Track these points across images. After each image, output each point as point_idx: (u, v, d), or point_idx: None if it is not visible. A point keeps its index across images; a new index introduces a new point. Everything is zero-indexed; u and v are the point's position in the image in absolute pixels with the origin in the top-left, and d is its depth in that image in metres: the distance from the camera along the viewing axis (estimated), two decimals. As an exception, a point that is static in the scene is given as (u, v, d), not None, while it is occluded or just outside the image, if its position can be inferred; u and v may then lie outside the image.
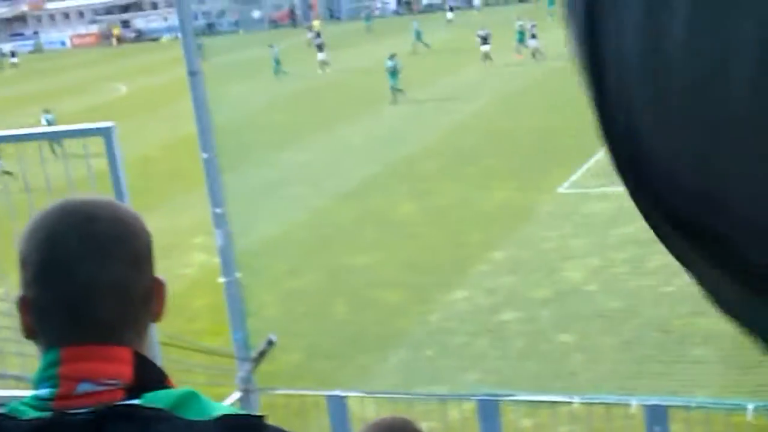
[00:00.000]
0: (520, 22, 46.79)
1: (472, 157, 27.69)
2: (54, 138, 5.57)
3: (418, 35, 55.18)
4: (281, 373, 13.34)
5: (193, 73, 8.03)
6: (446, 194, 24.08)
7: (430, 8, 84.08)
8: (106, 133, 4.98)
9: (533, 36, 45.52)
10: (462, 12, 77.88)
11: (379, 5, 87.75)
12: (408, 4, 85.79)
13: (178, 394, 1.72)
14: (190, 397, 1.71)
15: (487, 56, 44.75)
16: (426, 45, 54.00)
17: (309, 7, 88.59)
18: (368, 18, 72.73)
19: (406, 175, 26.50)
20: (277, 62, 49.84)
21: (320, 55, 50.90)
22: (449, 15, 70.20)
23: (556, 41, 45.47)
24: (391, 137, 31.60)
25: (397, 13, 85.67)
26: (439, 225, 21.71)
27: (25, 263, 1.77)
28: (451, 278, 18.28)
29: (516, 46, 45.99)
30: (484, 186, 24.42)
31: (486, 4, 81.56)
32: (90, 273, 1.74)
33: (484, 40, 45.14)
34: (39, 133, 6.24)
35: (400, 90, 37.16)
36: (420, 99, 37.78)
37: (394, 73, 37.47)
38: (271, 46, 50.69)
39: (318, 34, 60.67)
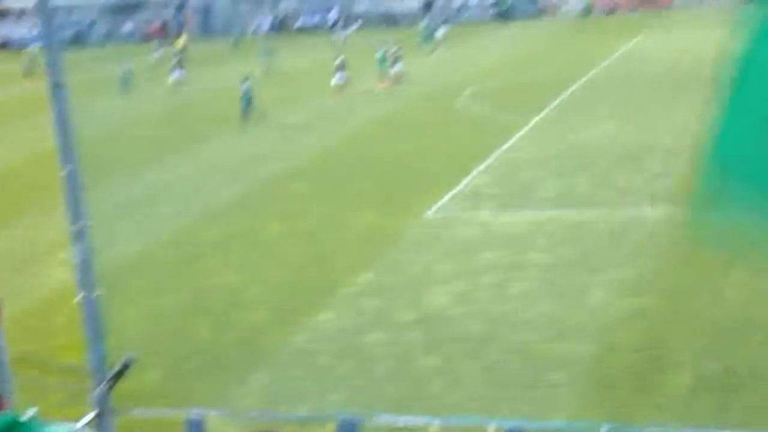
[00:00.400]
0: (384, 49, 46.12)
1: (340, 180, 27.79)
2: None
3: (267, 55, 54.45)
4: (140, 392, 13.13)
5: (57, 86, 7.88)
6: (314, 216, 24.10)
7: (304, 29, 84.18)
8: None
9: (396, 61, 45.42)
10: (334, 34, 78.27)
11: (253, 23, 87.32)
12: (282, 23, 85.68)
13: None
14: (13, 427, 1.68)
15: (341, 87, 43.81)
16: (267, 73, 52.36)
17: (182, 23, 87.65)
18: (237, 40, 71.69)
19: (274, 197, 26.44)
20: (125, 80, 48.11)
21: (176, 73, 49.61)
22: (340, 35, 69.67)
23: (422, 67, 46.21)
24: (257, 158, 31.48)
25: (272, 31, 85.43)
26: (307, 246, 21.72)
27: None
28: (318, 300, 18.29)
29: (379, 73, 45.39)
30: (352, 209, 24.54)
31: (361, 27, 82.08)
32: None
33: (340, 67, 44.30)
34: None
35: (248, 113, 36.50)
36: (286, 122, 37.69)
37: (246, 96, 36.84)
38: (123, 64, 48.71)
39: (181, 51, 59.71)
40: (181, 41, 63.54)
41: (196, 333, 17.12)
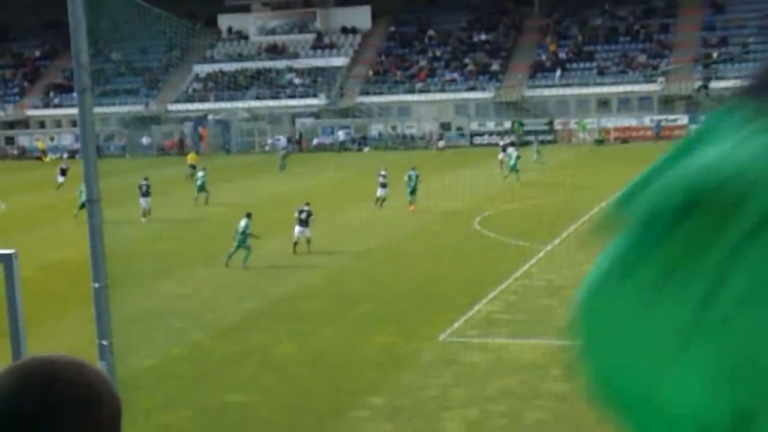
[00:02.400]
0: (412, 172, 46.02)
1: (353, 299, 27.74)
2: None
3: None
4: None
5: (91, 201, 7.93)
6: (326, 336, 23.97)
7: (320, 147, 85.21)
8: (6, 260, 4.85)
9: (383, 185, 45.60)
10: (352, 153, 79.28)
11: (269, 141, 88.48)
12: (298, 142, 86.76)
13: None
14: None
15: (381, 200, 45.03)
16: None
17: (199, 138, 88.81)
18: (284, 160, 70.80)
19: (287, 314, 26.35)
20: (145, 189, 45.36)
21: (199, 193, 49.74)
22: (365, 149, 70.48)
23: (437, 190, 46.50)
24: (272, 274, 31.49)
25: (286, 149, 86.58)
26: (318, 366, 21.53)
27: None
28: (328, 422, 18.07)
29: (409, 198, 45.30)
30: (364, 330, 24.41)
31: (374, 148, 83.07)
32: None
33: (383, 184, 45.42)
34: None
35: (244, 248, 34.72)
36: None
37: (242, 234, 33.42)
38: (145, 178, 46.02)
39: (193, 167, 60.45)
40: (192, 157, 64.63)
41: (205, 452, 16.86)
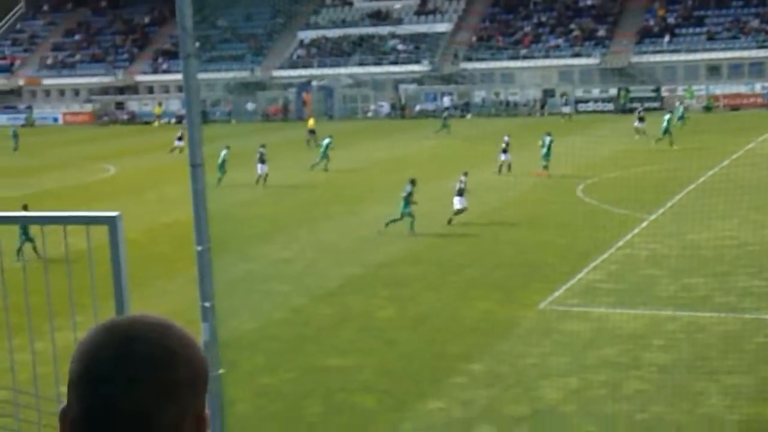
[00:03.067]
0: (546, 138, 45.90)
1: (454, 266, 27.75)
2: (59, 222, 5.55)
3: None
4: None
5: (195, 166, 8.08)
6: (426, 302, 24.06)
7: (422, 114, 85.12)
8: (111, 222, 4.99)
9: (505, 151, 45.49)
10: (455, 120, 79.05)
11: (372, 107, 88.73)
12: (402, 109, 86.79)
13: None
14: None
15: (506, 166, 44.79)
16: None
17: (303, 104, 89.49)
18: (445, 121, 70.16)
19: (387, 280, 26.50)
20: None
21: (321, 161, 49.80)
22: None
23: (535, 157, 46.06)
24: (374, 240, 31.67)
25: (389, 116, 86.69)
26: (418, 332, 21.64)
27: (69, 373, 1.76)
28: (427, 388, 18.17)
29: (543, 163, 44.94)
30: (465, 296, 24.42)
31: (477, 114, 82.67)
32: (111, 394, 1.68)
33: (505, 150, 45.36)
34: (44, 217, 6.24)
35: None
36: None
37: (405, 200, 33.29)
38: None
39: (313, 132, 61.36)
40: (311, 122, 65.00)
41: (306, 415, 17.13)
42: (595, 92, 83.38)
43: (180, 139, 56.56)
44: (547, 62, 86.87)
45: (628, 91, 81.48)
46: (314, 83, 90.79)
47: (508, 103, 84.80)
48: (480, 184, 40.95)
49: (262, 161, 44.85)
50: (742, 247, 28.12)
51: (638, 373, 18.37)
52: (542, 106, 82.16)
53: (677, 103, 68.70)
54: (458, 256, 29.14)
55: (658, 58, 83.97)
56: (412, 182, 33.09)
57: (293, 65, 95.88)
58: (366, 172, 48.56)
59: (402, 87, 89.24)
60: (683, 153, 49.68)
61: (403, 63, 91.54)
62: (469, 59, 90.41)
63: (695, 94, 79.41)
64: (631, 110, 75.29)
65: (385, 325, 22.29)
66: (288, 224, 35.08)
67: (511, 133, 49.71)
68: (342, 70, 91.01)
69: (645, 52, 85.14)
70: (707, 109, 77.06)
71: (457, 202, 34.24)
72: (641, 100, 79.32)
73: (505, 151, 45.57)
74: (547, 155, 44.82)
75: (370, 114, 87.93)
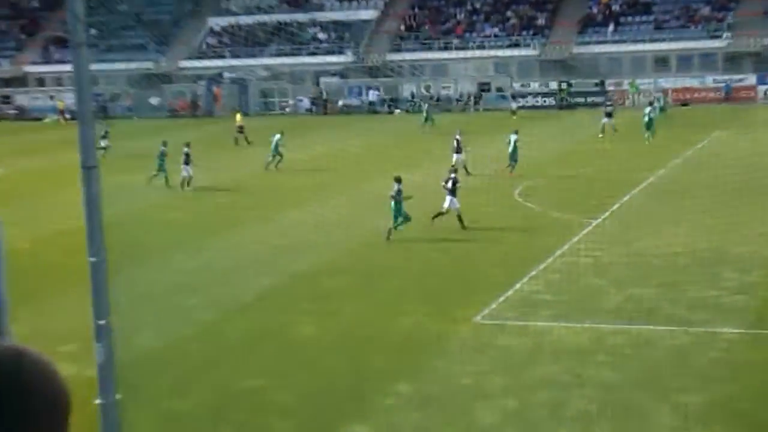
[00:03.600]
0: (513, 136, 45.88)
1: (381, 276, 27.79)
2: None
3: None
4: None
5: (88, 168, 7.95)
6: (349, 315, 24.04)
7: (346, 109, 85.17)
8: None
9: (458, 150, 45.62)
10: (382, 116, 79.20)
11: (291, 102, 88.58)
12: (324, 104, 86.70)
13: None
14: None
15: (461, 167, 44.54)
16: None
17: (213, 99, 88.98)
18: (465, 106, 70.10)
19: (308, 292, 26.43)
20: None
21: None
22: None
23: (474, 157, 46.36)
24: (293, 248, 31.57)
25: (310, 112, 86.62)
26: (341, 350, 21.60)
27: None
28: (351, 411, 18.14)
29: (509, 163, 45.11)
30: (392, 309, 24.44)
31: (406, 111, 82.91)
32: None
33: (458, 149, 45.43)
34: None
35: None
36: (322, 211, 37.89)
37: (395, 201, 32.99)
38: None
39: (240, 129, 61.50)
40: (239, 117, 64.74)
41: (216, 442, 16.99)
42: (535, 86, 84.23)
43: (104, 137, 55.68)
44: (482, 53, 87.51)
45: (569, 84, 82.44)
46: (226, 75, 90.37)
47: (439, 98, 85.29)
48: (416, 187, 41.13)
49: (187, 163, 44.62)
50: (693, 254, 28.57)
51: (582, 392, 18.55)
52: (477, 101, 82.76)
53: (654, 96, 71.43)
54: (385, 264, 29.18)
55: (601, 48, 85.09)
56: (398, 180, 32.81)
57: (203, 55, 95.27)
58: (284, 174, 48.44)
59: (323, 80, 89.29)
60: (629, 152, 50.39)
61: (325, 54, 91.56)
62: (397, 50, 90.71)
63: (640, 88, 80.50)
64: (573, 105, 76.25)
65: (305, 342, 22.23)
66: (200, 231, 34.84)
67: (447, 131, 49.90)
68: (257, 62, 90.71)
69: (588, 43, 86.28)
70: (663, 110, 78.04)
71: (448, 203, 33.78)
72: (584, 94, 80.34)
73: (458, 150, 45.49)
74: (514, 154, 45.09)
75: (288, 110, 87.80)
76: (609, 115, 59.83)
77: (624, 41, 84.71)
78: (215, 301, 25.77)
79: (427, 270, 28.33)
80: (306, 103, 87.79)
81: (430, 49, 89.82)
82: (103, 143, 56.30)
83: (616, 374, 19.42)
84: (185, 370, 20.68)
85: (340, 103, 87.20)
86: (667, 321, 22.56)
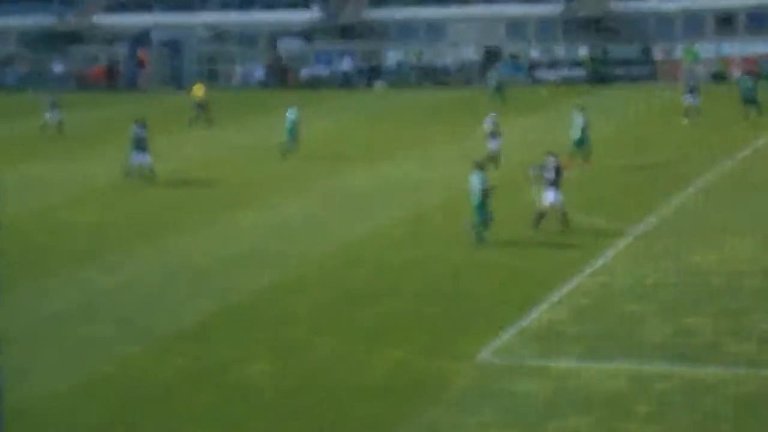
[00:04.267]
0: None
1: (360, 296, 27.84)
2: None
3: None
4: None
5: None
6: (318, 349, 24.10)
7: (312, 82, 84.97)
8: None
9: (493, 135, 45.74)
10: (359, 91, 79.26)
11: (240, 71, 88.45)
12: (283, 74, 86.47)
13: None
14: None
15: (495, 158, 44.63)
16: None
17: (138, 65, 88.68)
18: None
19: (264, 317, 26.49)
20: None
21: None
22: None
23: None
24: (247, 258, 31.64)
25: (264, 84, 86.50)
26: (305, 393, 21.68)
27: None
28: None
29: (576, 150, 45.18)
30: (372, 343, 24.51)
31: (391, 84, 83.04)
32: None
33: (493, 134, 45.54)
34: None
35: None
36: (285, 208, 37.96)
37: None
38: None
39: (201, 105, 61.24)
40: (201, 91, 64.40)
41: None
42: (559, 53, 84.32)
43: (52, 109, 55.49)
44: (490, 10, 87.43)
45: (605, 51, 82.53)
46: (155, 35, 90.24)
47: (434, 69, 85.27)
48: (398, 181, 41.23)
49: (143, 148, 44.44)
50: (765, 273, 28.69)
51: (618, 452, 18.71)
52: (484, 73, 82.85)
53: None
54: (366, 282, 29.24)
55: (648, 5, 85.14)
56: (480, 166, 33.21)
57: (124, 8, 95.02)
58: (232, 165, 48.43)
59: (282, 43, 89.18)
60: (683, 140, 50.52)
61: (285, 8, 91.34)
62: (378, 4, 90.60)
63: (700, 57, 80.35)
64: (608, 78, 76.23)
65: (258, 383, 22.29)
66: (122, 237, 34.83)
67: (443, 111, 50.07)
68: (195, 17, 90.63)
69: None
70: (718, 77, 78.13)
71: (552, 197, 33.93)
72: (623, 64, 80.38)
73: (494, 135, 45.51)
74: (582, 139, 45.34)
75: (235, 81, 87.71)
76: (692, 91, 58.45)
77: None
78: (141, 329, 25.81)
79: (421, 290, 28.38)
80: (260, 72, 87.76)
81: (422, 3, 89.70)
82: (48, 116, 56.24)
83: (660, 428, 19.55)
84: (99, 419, 20.72)
85: (305, 72, 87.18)
86: (730, 361, 22.66)
